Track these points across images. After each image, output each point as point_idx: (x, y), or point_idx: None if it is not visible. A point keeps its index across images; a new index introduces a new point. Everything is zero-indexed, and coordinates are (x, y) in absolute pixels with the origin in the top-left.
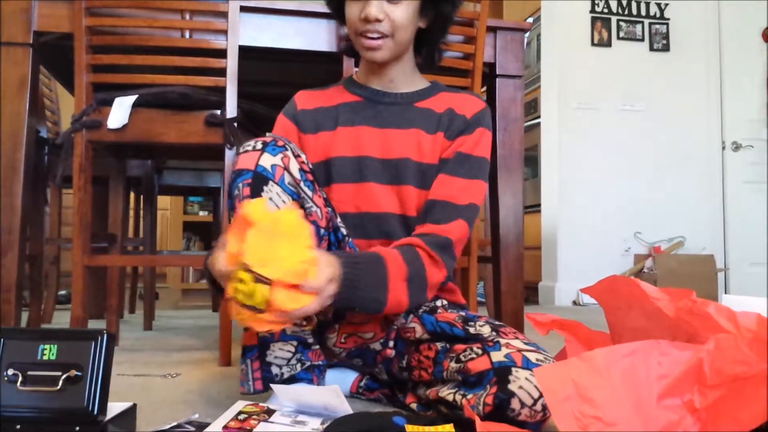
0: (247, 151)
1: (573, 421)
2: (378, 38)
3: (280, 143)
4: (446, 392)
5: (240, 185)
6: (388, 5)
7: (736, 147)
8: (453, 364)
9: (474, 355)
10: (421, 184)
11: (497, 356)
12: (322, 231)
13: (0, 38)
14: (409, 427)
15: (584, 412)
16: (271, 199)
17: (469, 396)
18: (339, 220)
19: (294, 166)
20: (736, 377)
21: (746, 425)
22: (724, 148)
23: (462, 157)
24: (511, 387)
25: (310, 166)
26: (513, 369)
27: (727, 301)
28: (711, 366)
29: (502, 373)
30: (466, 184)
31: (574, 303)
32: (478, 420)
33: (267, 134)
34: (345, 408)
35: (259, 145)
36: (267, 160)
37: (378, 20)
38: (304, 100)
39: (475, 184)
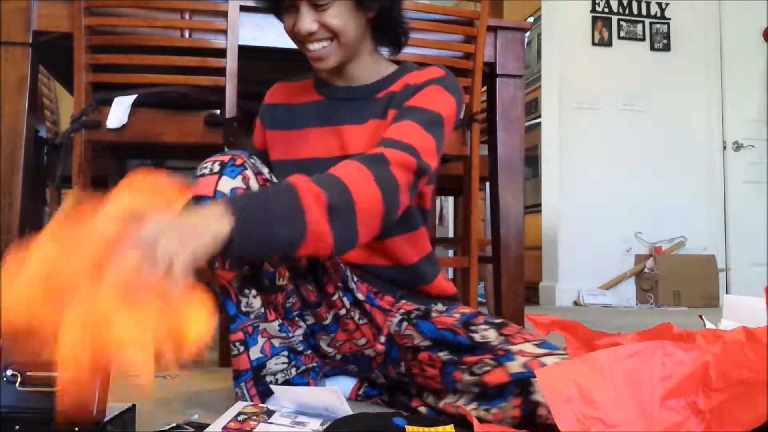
0: (204, 175)
1: (575, 422)
2: (321, 48)
3: (239, 161)
4: (470, 408)
5: None
6: (317, 14)
7: (737, 147)
8: (467, 377)
9: (488, 368)
10: None
11: (514, 367)
12: None
13: (0, 38)
14: (409, 428)
15: (586, 413)
16: None
17: (494, 411)
18: None
19: (255, 186)
20: (742, 381)
21: (748, 426)
22: (724, 148)
23: (406, 108)
24: (536, 397)
25: (274, 181)
26: (533, 380)
27: (728, 302)
28: (717, 369)
29: (522, 384)
30: (408, 125)
31: (575, 303)
32: (475, 422)
33: (227, 150)
34: (345, 409)
35: (217, 167)
36: (226, 184)
37: (311, 33)
38: (274, 93)
39: (418, 130)
